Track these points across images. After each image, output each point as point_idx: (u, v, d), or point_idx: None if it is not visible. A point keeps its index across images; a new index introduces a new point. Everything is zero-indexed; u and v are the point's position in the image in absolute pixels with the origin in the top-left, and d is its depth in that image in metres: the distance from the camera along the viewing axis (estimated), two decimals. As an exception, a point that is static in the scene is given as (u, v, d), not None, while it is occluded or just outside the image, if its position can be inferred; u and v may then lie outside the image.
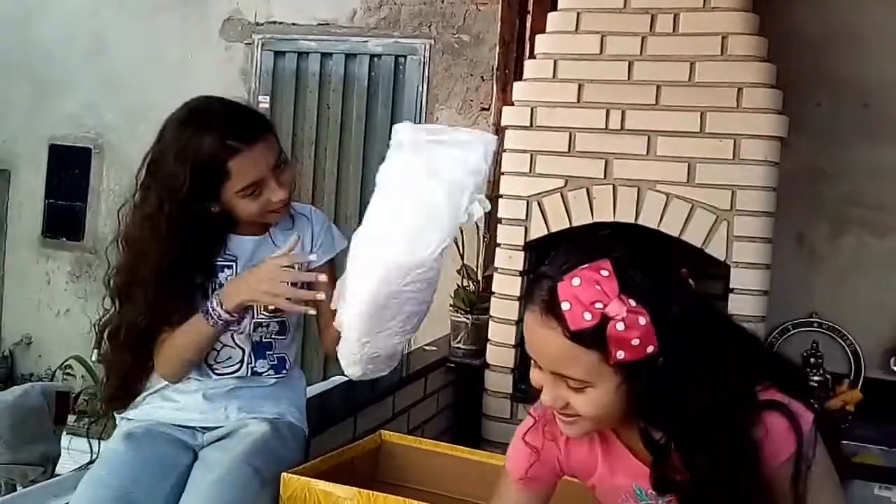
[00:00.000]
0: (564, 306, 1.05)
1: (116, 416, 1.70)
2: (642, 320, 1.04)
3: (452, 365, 2.91)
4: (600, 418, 1.14)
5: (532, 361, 1.16)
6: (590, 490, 1.31)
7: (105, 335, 1.59)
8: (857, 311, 3.11)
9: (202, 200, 1.55)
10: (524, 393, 2.83)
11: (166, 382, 1.65)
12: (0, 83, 4.74)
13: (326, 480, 1.53)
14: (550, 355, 1.10)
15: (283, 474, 1.53)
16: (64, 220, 4.65)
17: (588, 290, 1.05)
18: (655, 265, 1.14)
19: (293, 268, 1.51)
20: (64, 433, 2.79)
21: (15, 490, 2.23)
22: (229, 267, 1.62)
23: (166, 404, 1.64)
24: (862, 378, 3.05)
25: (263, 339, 1.67)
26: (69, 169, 4.62)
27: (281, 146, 1.62)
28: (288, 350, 1.72)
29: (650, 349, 1.06)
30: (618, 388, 1.09)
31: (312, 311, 1.54)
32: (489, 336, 2.88)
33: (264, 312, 1.61)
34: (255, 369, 1.66)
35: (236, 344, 1.65)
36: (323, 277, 1.50)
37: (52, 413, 2.57)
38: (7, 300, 4.75)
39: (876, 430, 2.74)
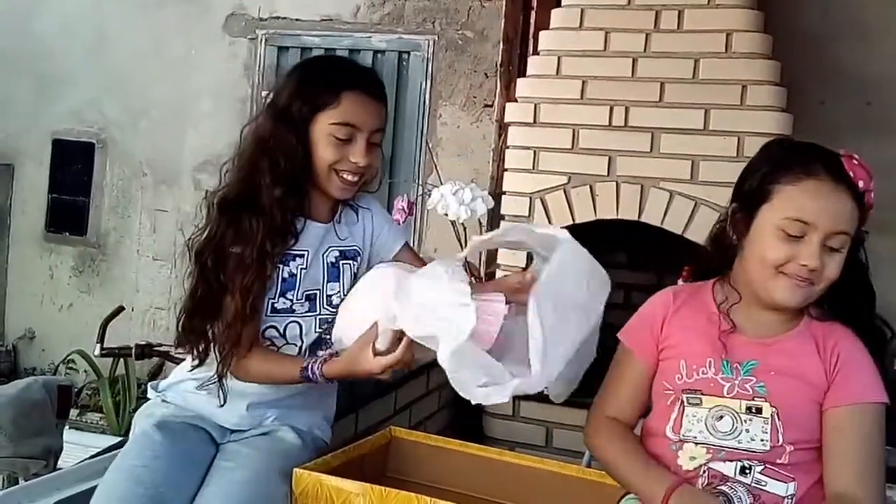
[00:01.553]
0: (851, 174, 1.33)
1: (151, 390, 1.67)
2: (872, 182, 1.35)
3: (454, 361, 2.91)
4: (826, 286, 1.33)
5: (793, 239, 1.32)
6: (665, 365, 1.42)
7: (193, 252, 1.55)
8: (860, 309, 3.10)
9: (299, 121, 1.54)
10: (526, 390, 2.83)
11: (213, 375, 1.58)
12: (3, 78, 4.74)
13: (337, 476, 1.53)
14: (840, 214, 1.32)
15: (295, 470, 1.53)
16: (67, 214, 4.65)
17: (859, 167, 1.35)
18: None
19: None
20: (66, 427, 2.79)
21: (17, 483, 2.23)
22: (301, 256, 1.59)
23: (207, 399, 1.60)
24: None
25: (324, 336, 1.62)
26: (72, 164, 4.63)
27: (385, 129, 1.64)
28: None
29: (872, 196, 1.35)
30: (848, 250, 1.34)
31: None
32: (491, 332, 2.87)
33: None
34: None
35: (301, 339, 1.61)
36: None
37: (54, 407, 2.57)
38: (10, 294, 4.76)
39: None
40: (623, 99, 2.71)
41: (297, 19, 4.15)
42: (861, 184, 1.32)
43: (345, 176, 1.58)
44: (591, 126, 2.73)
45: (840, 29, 3.23)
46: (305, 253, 1.59)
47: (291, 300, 1.59)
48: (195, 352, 1.57)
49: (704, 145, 2.61)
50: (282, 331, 1.59)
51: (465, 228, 2.92)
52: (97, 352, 2.81)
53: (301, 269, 1.59)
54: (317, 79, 1.58)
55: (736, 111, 2.60)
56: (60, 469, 2.05)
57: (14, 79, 4.74)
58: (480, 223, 2.98)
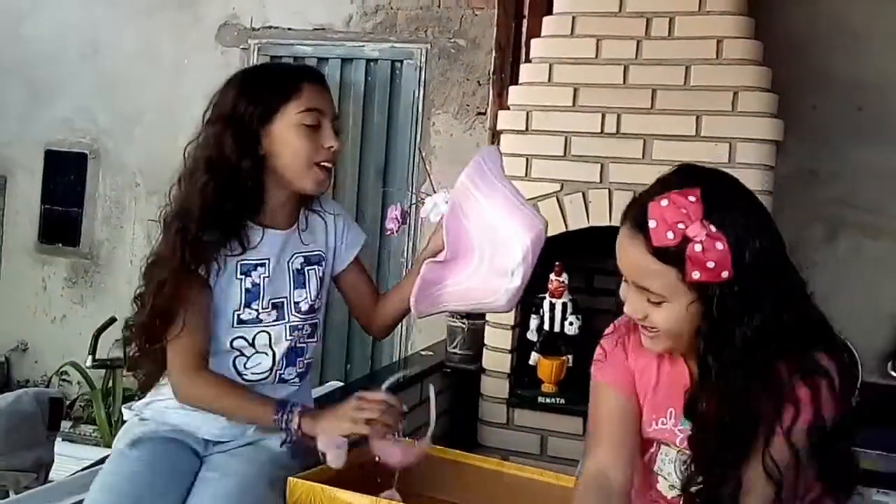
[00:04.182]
0: (651, 224, 1.16)
1: (127, 411, 1.66)
2: (720, 245, 1.13)
3: (448, 370, 2.91)
4: (675, 334, 1.22)
5: (623, 276, 1.25)
6: (637, 407, 1.36)
7: (143, 269, 1.55)
8: (852, 314, 3.09)
9: (251, 128, 1.51)
10: (520, 398, 2.82)
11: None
12: (-5, 88, 4.74)
13: (335, 486, 1.51)
14: (634, 268, 1.21)
15: (290, 479, 1.51)
16: (60, 225, 4.64)
17: (674, 212, 1.15)
18: (747, 199, 1.21)
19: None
20: (58, 439, 2.77)
21: (7, 496, 2.22)
22: (262, 265, 1.57)
23: (185, 412, 1.59)
24: (859, 383, 3.04)
25: (297, 345, 1.62)
26: (65, 174, 4.62)
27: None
28: (314, 353, 1.68)
29: (725, 274, 1.13)
30: (690, 307, 1.17)
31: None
32: (485, 341, 2.87)
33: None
34: (283, 376, 1.61)
35: (271, 350, 1.59)
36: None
37: (45, 419, 2.55)
38: (3, 306, 4.73)
39: (874, 435, 2.73)
40: (615, 106, 2.71)
41: (289, 28, 4.16)
42: (670, 236, 1.14)
43: (324, 164, 1.57)
44: (584, 133, 2.73)
45: (830, 34, 3.24)
46: (266, 262, 1.58)
47: (257, 310, 1.57)
48: (137, 376, 1.59)
49: (696, 151, 2.61)
50: (250, 340, 1.58)
51: (458, 236, 2.93)
52: (89, 363, 2.80)
53: (264, 277, 1.57)
54: (269, 80, 1.57)
55: (727, 117, 2.60)
56: (52, 482, 2.03)
57: (5, 89, 4.73)
58: (474, 231, 3.00)
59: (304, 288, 1.62)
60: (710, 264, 1.13)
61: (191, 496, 1.47)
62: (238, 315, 1.56)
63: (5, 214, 4.77)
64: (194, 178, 1.51)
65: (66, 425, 3.74)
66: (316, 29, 4.11)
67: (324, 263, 1.66)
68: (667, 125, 2.65)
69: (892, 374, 3.04)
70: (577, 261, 3.04)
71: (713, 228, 1.13)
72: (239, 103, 1.52)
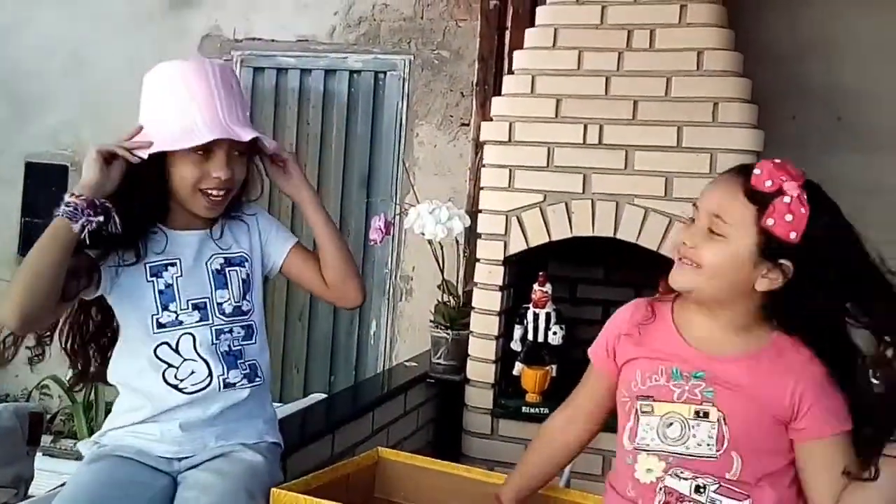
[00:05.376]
0: (756, 171, 1.27)
1: (83, 444, 1.65)
2: (803, 210, 1.24)
3: (432, 381, 2.90)
4: (708, 277, 1.30)
5: (688, 223, 1.34)
6: (623, 376, 1.44)
7: None
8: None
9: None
10: (504, 408, 2.82)
11: (136, 419, 1.58)
12: (-24, 101, 4.70)
13: (319, 497, 1.51)
14: (719, 198, 1.30)
15: (273, 490, 1.51)
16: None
17: (781, 170, 1.27)
18: (840, 211, 1.31)
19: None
20: (39, 454, 2.74)
21: (-13, 513, 2.19)
22: (173, 265, 1.58)
23: (140, 435, 1.59)
24: None
25: (232, 348, 1.62)
26: (46, 186, 4.58)
27: (262, 146, 1.64)
28: (259, 356, 1.67)
29: (793, 236, 1.24)
30: (742, 252, 1.27)
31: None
32: (469, 351, 2.87)
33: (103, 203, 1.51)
34: (227, 381, 1.60)
35: (199, 356, 1.58)
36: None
37: (25, 434, 2.52)
38: (-18, 319, 4.68)
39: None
40: (597, 117, 2.72)
41: (272, 40, 4.16)
42: (768, 183, 1.26)
43: (210, 193, 1.57)
44: (566, 144, 2.75)
45: (809, 45, 3.28)
46: (177, 261, 1.59)
47: (176, 311, 1.57)
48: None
49: (677, 162, 2.63)
50: (174, 345, 1.57)
51: (442, 247, 2.93)
52: (69, 376, 2.76)
53: (177, 277, 1.58)
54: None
55: (708, 128, 2.63)
56: (32, 497, 2.01)
57: (-13, 101, 4.69)
58: (458, 242, 3.00)
59: (226, 289, 1.62)
60: (788, 217, 1.23)
61: None
62: (157, 319, 1.56)
63: (-15, 227, 4.72)
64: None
65: (46, 440, 3.70)
66: (299, 40, 4.11)
67: (247, 265, 1.66)
68: (648, 136, 2.67)
69: (874, 381, 3.06)
70: (560, 271, 3.06)
71: (805, 197, 1.25)
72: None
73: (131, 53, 4.38)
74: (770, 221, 1.24)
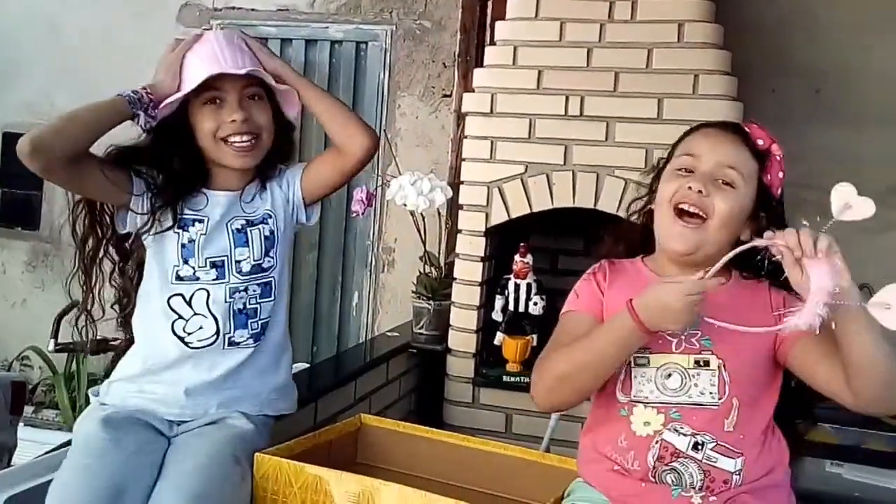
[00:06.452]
0: (749, 130, 1.42)
1: (91, 397, 1.68)
2: (783, 171, 1.42)
3: (414, 350, 2.93)
4: (716, 227, 1.36)
5: (683, 173, 1.40)
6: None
7: None
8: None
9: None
10: (486, 377, 2.85)
11: (143, 371, 1.62)
12: (-50, 69, 4.63)
13: (302, 462, 1.54)
14: (729, 150, 1.39)
15: (257, 454, 1.55)
16: (19, 209, 4.55)
17: (764, 129, 1.42)
18: None
19: None
20: (21, 424, 2.75)
21: (-30, 482, 2.19)
22: (200, 221, 1.64)
23: (145, 395, 1.62)
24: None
25: (247, 306, 1.64)
26: (24, 157, 4.53)
27: (273, 92, 1.68)
28: (275, 314, 1.68)
29: (779, 192, 1.42)
30: (749, 201, 1.38)
31: None
32: (451, 321, 2.89)
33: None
34: (232, 339, 1.63)
35: (210, 312, 1.61)
36: None
37: (7, 404, 2.53)
38: (-39, 291, 4.65)
39: (828, 410, 2.80)
40: (578, 89, 2.73)
41: (252, 9, 4.11)
42: (760, 142, 1.40)
43: (233, 141, 1.61)
44: (548, 116, 2.75)
45: (789, 18, 3.30)
46: (205, 219, 1.63)
47: (194, 267, 1.61)
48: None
49: (658, 134, 2.64)
50: (188, 298, 1.61)
51: (423, 218, 2.94)
52: (51, 347, 2.77)
53: (200, 234, 1.62)
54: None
55: (689, 100, 2.64)
56: (13, 466, 2.02)
57: (-38, 71, 4.62)
58: (439, 213, 3.01)
59: (247, 247, 1.65)
60: (780, 175, 1.41)
61: (159, 481, 1.48)
62: (177, 271, 1.61)
63: (-38, 198, 4.67)
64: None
65: (28, 410, 3.70)
66: (280, 10, 4.07)
67: (270, 221, 1.68)
68: (629, 108, 2.69)
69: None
70: (541, 242, 3.08)
71: (775, 147, 1.42)
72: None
73: (108, 22, 4.32)
74: (768, 177, 1.39)
